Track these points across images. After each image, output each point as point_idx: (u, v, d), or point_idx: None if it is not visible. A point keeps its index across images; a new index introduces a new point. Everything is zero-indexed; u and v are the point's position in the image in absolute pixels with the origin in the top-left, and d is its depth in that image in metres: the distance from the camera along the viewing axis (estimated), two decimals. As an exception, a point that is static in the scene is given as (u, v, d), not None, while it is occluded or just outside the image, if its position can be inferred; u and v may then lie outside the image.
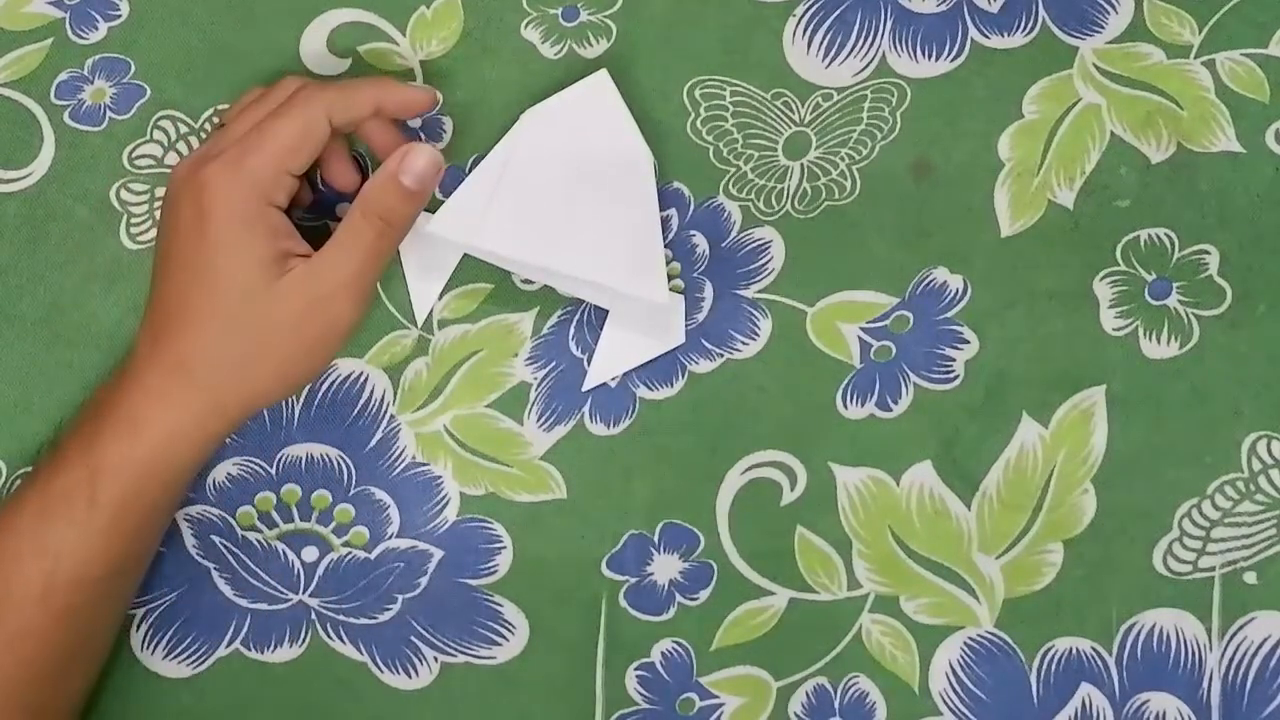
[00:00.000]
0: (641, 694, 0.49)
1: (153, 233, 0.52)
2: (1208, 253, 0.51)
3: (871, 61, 0.53)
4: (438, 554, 0.50)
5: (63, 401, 0.50)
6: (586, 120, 0.50)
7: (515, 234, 0.49)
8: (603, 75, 0.50)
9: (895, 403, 0.50)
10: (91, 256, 0.51)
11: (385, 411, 0.51)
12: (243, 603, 0.49)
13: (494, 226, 0.49)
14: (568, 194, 0.49)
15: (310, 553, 0.50)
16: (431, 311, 0.51)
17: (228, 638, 0.49)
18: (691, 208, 0.52)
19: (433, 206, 0.50)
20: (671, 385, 0.51)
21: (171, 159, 0.52)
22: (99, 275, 0.51)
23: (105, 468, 0.43)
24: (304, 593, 0.49)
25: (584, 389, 0.50)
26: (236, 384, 0.45)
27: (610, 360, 0.50)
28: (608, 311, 0.50)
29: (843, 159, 0.52)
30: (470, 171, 0.51)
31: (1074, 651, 0.49)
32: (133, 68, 0.53)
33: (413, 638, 0.49)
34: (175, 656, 0.49)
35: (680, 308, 0.51)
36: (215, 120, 0.52)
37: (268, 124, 0.45)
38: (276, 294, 0.44)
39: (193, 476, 0.47)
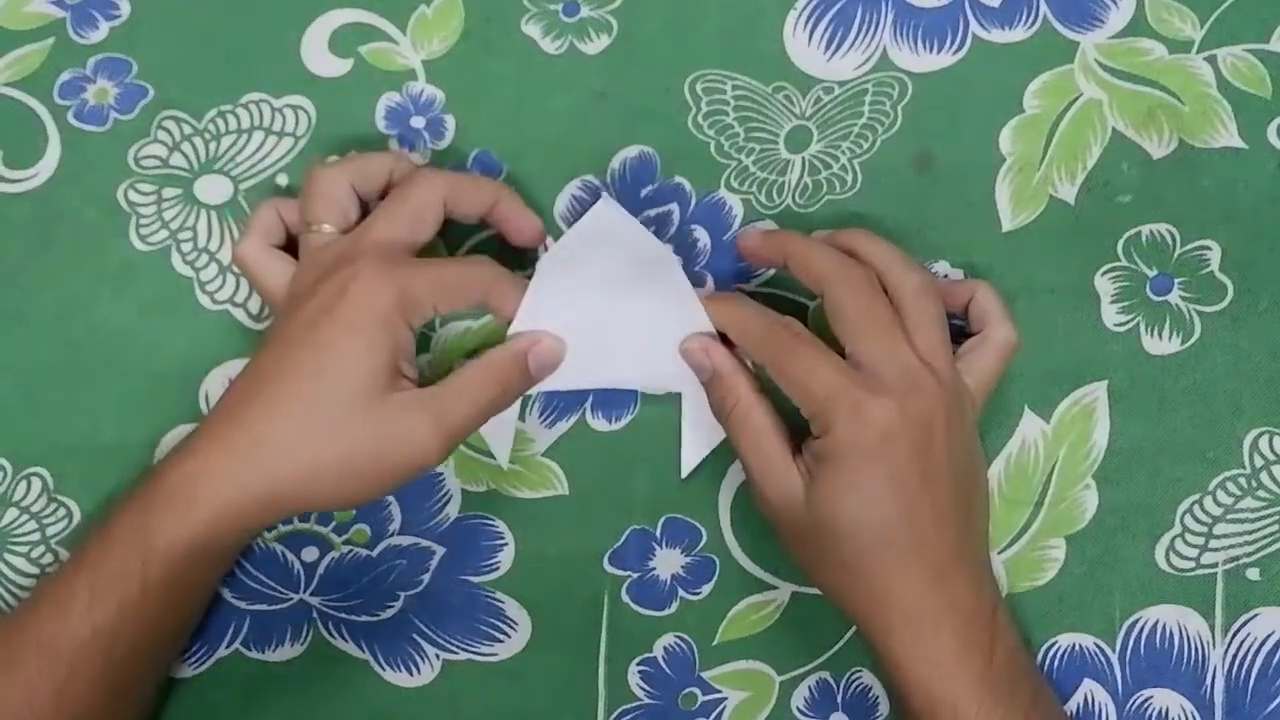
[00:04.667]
0: (644, 689, 0.49)
1: (162, 234, 0.52)
2: (1209, 248, 0.51)
3: (873, 55, 0.53)
4: (439, 551, 0.50)
5: (70, 404, 0.50)
6: (602, 242, 0.48)
7: (570, 366, 0.47)
8: (604, 202, 0.48)
9: (897, 398, 0.50)
10: (101, 258, 0.51)
11: (387, 409, 0.51)
12: (242, 604, 0.49)
13: None
14: (607, 314, 0.47)
15: (310, 553, 0.49)
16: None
17: (228, 638, 0.49)
18: (693, 202, 0.52)
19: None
20: (673, 381, 0.51)
21: (176, 159, 0.52)
22: (108, 277, 0.51)
23: (155, 550, 0.41)
24: (304, 592, 0.49)
25: (683, 476, 0.49)
26: (303, 483, 0.42)
27: (698, 444, 0.50)
28: None
29: (844, 153, 0.52)
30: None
31: (1076, 648, 0.49)
32: (134, 68, 0.53)
33: (415, 635, 0.49)
34: (177, 656, 0.49)
35: None
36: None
37: (443, 266, 0.46)
38: (381, 407, 0.42)
39: (240, 551, 0.48)
